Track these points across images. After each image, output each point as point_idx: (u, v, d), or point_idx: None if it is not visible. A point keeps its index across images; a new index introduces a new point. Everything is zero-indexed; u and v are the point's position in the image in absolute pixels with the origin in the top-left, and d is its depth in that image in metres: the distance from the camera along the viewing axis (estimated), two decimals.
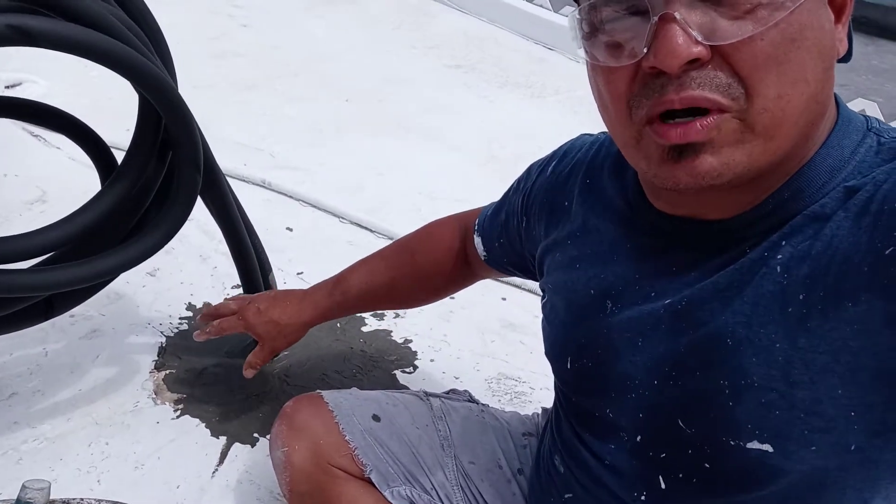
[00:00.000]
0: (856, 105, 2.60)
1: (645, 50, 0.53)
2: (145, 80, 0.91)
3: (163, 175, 1.09)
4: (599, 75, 0.60)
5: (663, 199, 0.66)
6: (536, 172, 0.87)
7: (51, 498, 0.76)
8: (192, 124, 1.00)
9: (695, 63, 0.52)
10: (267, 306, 1.11)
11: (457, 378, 1.41)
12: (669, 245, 0.66)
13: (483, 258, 0.99)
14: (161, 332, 1.39)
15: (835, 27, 0.56)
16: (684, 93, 0.53)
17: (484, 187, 2.10)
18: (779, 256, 0.57)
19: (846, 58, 0.61)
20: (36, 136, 1.96)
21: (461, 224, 1.05)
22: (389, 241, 1.81)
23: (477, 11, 3.56)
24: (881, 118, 2.58)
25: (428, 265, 1.07)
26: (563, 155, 0.84)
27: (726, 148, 0.54)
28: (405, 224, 1.84)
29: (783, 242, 0.57)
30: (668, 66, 0.52)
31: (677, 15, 0.51)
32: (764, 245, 0.59)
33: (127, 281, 1.47)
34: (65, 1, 0.83)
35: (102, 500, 0.78)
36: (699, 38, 0.52)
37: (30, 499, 0.73)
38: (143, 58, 0.90)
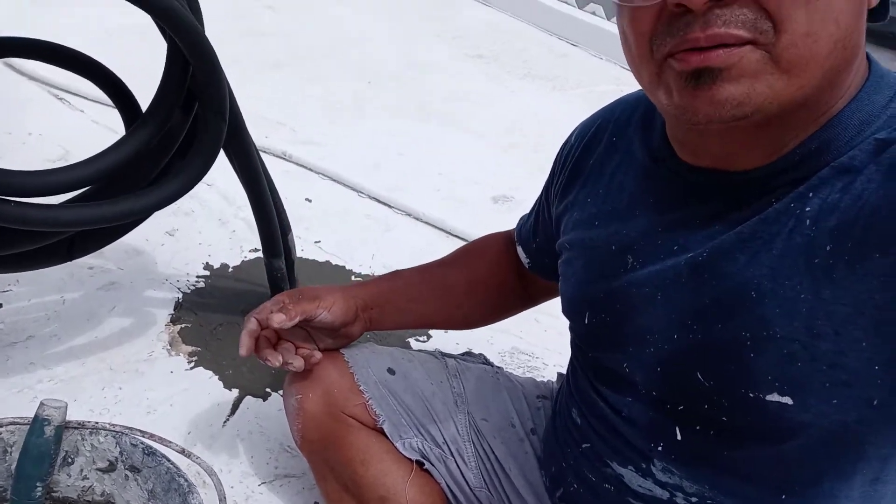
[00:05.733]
0: None
1: None
2: (174, 20, 0.91)
3: (188, 125, 1.09)
4: (625, 16, 0.59)
5: (688, 147, 0.65)
6: (560, 150, 0.86)
7: (66, 419, 0.77)
8: (219, 70, 1.00)
9: (720, 1, 0.52)
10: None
11: (470, 349, 1.40)
12: (692, 197, 0.65)
13: (528, 266, 0.96)
14: (178, 288, 1.39)
15: None
16: (710, 30, 0.52)
17: (503, 171, 2.12)
18: (807, 209, 0.56)
19: (881, 16, 0.60)
20: (60, 98, 1.98)
21: (510, 236, 1.01)
22: (407, 218, 1.83)
23: (502, 6, 3.56)
24: None
25: (482, 270, 1.00)
26: (587, 122, 0.83)
27: (746, 77, 0.53)
28: (423, 203, 1.85)
29: (811, 194, 0.56)
30: (694, 2, 0.52)
31: None
32: (791, 196, 0.58)
33: (146, 238, 1.48)
34: None
35: (116, 426, 0.78)
36: None
37: (47, 416, 0.73)
38: (175, 2, 0.90)
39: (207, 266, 1.47)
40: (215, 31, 2.92)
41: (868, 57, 0.60)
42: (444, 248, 1.70)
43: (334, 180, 1.89)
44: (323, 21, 3.07)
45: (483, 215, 1.86)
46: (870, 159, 0.55)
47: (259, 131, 2.02)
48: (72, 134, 1.83)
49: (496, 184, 2.02)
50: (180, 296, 1.37)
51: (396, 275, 1.03)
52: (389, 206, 1.84)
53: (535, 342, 1.46)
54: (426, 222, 1.80)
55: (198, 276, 1.44)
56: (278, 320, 0.88)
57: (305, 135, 2.10)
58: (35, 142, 1.81)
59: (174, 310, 1.34)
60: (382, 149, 2.11)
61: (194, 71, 1.01)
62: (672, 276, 0.65)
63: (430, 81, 2.63)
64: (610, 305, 0.71)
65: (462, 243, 1.74)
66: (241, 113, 1.16)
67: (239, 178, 1.21)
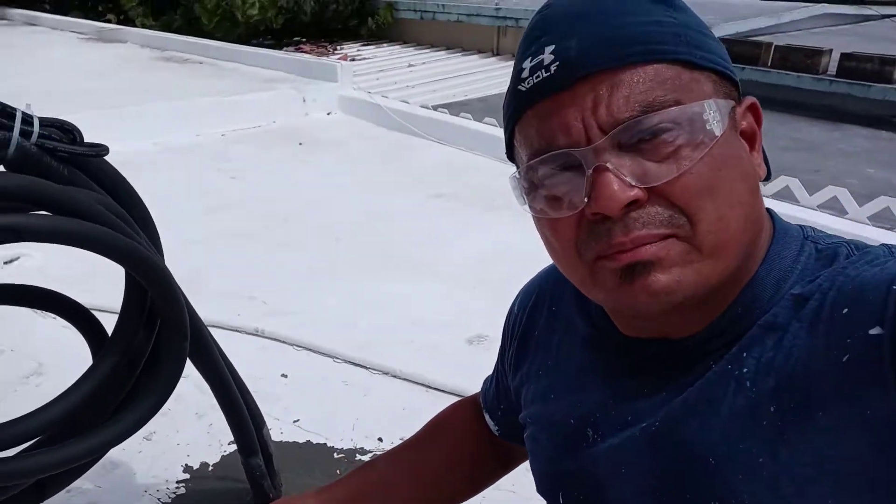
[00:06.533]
0: (826, 193, 2.68)
1: (586, 199, 0.57)
2: (130, 259, 0.95)
3: (152, 342, 1.11)
4: (545, 226, 0.63)
5: (626, 324, 0.68)
6: (507, 320, 0.89)
7: None
8: (177, 296, 1.03)
9: (634, 204, 0.56)
10: None
11: None
12: (639, 367, 0.67)
13: (497, 433, 0.94)
14: (159, 500, 1.36)
15: (751, 155, 0.62)
16: (632, 234, 0.56)
17: (474, 310, 2.15)
18: (745, 370, 0.58)
19: (768, 177, 0.66)
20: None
21: (477, 402, 1.00)
22: (384, 377, 1.83)
23: (455, 142, 3.74)
24: (853, 202, 2.61)
25: (455, 446, 0.98)
26: (527, 291, 0.86)
27: (676, 267, 0.57)
28: (399, 358, 1.86)
29: (744, 354, 0.59)
30: (610, 210, 0.56)
31: (609, 165, 0.56)
32: (726, 358, 0.60)
33: (123, 448, 1.45)
34: (50, 196, 0.89)
35: None
36: (633, 183, 0.56)
37: None
38: (127, 239, 0.95)
39: (187, 468, 1.45)
40: (183, 210, 3.02)
41: (769, 212, 0.65)
42: (425, 404, 1.69)
43: (309, 349, 1.91)
44: (286, 184, 3.20)
45: (460, 360, 1.87)
46: (791, 315, 0.58)
47: (231, 309, 2.06)
48: (44, 344, 1.85)
49: (469, 324, 2.05)
50: None
51: (369, 467, 1.02)
52: (366, 368, 1.85)
53: (529, 495, 1.42)
54: (405, 378, 1.81)
55: (178, 482, 1.41)
56: None
57: (277, 306, 2.13)
58: (8, 358, 1.82)
59: None
60: (355, 307, 2.14)
61: (152, 296, 1.04)
62: (632, 449, 0.66)
63: (394, 230, 2.71)
64: (580, 483, 0.71)
65: (441, 396, 1.75)
66: (202, 323, 1.19)
67: (207, 383, 1.23)
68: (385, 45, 8.48)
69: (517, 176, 0.63)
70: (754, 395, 0.58)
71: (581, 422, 0.71)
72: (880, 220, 2.60)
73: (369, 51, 8.10)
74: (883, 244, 0.60)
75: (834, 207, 2.68)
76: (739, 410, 0.58)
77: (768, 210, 0.65)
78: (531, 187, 0.62)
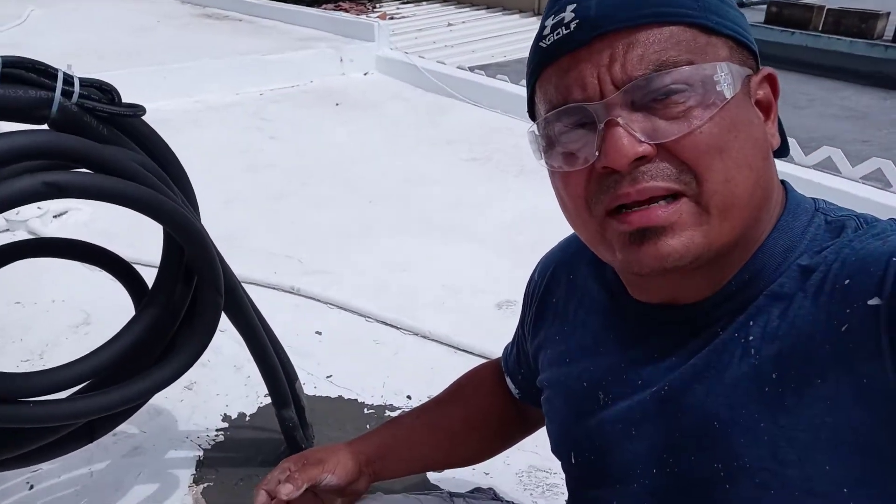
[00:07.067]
0: (870, 165, 2.61)
1: (597, 153, 0.59)
2: (166, 217, 0.99)
3: (190, 296, 1.17)
4: (559, 180, 0.65)
5: (637, 288, 0.70)
6: (527, 287, 0.91)
7: None
8: (211, 254, 1.08)
9: (643, 160, 0.58)
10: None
11: (487, 474, 1.42)
12: (650, 332, 0.69)
13: (517, 396, 1.00)
14: (199, 445, 1.44)
15: (765, 124, 0.62)
16: (639, 185, 0.58)
17: (504, 275, 2.17)
18: (750, 337, 0.60)
19: (784, 152, 0.66)
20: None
21: (500, 365, 1.05)
22: (415, 338, 1.88)
23: (491, 104, 3.72)
24: None
25: (479, 406, 1.03)
26: (547, 259, 0.88)
27: (686, 230, 0.58)
28: (429, 319, 1.90)
29: (751, 323, 0.61)
30: (619, 164, 0.58)
31: (620, 120, 0.58)
32: (733, 326, 0.62)
33: (166, 396, 1.54)
34: (91, 154, 0.93)
35: None
36: (642, 139, 0.57)
37: None
38: (163, 197, 0.99)
39: (226, 417, 1.52)
40: (222, 168, 3.07)
41: (784, 184, 0.66)
42: (452, 365, 1.73)
43: (342, 308, 1.96)
44: (322, 145, 3.23)
45: (488, 324, 1.91)
46: (797, 286, 0.59)
47: (268, 268, 2.12)
48: (91, 295, 1.93)
49: (498, 289, 2.07)
50: (201, 453, 1.42)
51: (396, 422, 1.07)
52: (397, 328, 1.89)
53: (551, 456, 1.46)
54: (434, 340, 1.85)
55: (217, 430, 1.48)
56: (286, 492, 0.91)
57: (313, 265, 2.18)
58: (59, 308, 1.92)
59: (196, 469, 1.38)
60: (388, 268, 2.18)
61: (188, 254, 1.09)
62: (640, 412, 0.68)
63: (428, 193, 2.73)
64: (591, 444, 0.74)
65: (469, 358, 1.79)
66: (236, 278, 1.23)
67: (242, 337, 1.28)
68: (424, 3, 8.38)
69: (535, 131, 0.65)
70: (758, 363, 0.59)
71: (593, 385, 0.74)
72: None
73: (408, 9, 8.01)
74: (891, 218, 0.60)
75: (879, 179, 2.61)
76: (743, 377, 0.60)
77: (783, 182, 0.66)
78: (549, 144, 0.64)
